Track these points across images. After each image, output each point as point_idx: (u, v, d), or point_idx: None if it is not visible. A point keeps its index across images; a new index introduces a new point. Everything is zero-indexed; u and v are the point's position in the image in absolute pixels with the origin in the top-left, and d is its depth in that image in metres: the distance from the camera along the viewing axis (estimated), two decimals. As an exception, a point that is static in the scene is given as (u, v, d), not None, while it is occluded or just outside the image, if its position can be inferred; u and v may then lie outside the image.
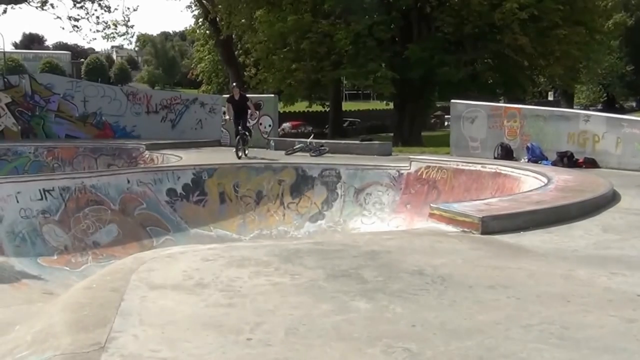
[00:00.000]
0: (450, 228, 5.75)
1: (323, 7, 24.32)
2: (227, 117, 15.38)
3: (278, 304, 3.37)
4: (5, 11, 26.22)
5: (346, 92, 59.81)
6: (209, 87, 43.67)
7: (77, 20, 27.55)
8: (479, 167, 11.26)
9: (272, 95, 20.48)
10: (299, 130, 35.34)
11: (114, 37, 29.33)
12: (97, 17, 27.74)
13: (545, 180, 8.58)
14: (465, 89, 23.66)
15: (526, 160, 12.87)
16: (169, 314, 3.18)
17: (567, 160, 12.12)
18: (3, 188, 9.72)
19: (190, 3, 35.70)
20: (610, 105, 52.82)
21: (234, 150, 14.28)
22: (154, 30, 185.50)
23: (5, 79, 20.08)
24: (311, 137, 17.59)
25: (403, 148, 19.25)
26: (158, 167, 13.98)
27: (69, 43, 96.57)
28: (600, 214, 6.61)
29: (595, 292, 3.76)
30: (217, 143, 18.70)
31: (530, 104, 24.16)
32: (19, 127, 19.34)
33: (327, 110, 38.96)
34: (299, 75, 24.67)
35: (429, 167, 12.06)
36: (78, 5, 27.17)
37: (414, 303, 3.45)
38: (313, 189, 12.66)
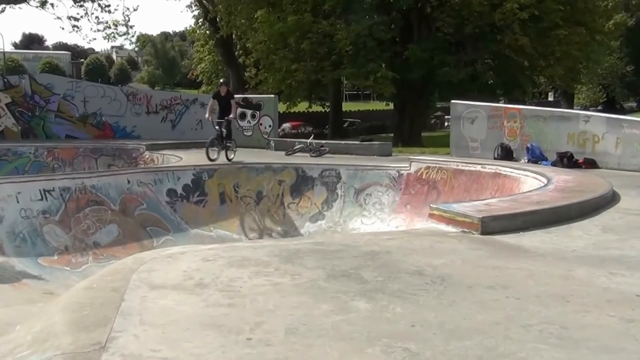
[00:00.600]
0: (450, 228, 5.75)
1: (323, 7, 24.34)
2: (207, 115, 13.81)
3: (278, 304, 3.38)
4: (3, 10, 26.24)
5: (346, 92, 59.84)
6: (209, 87, 43.61)
7: (77, 20, 27.61)
8: (478, 168, 11.27)
9: (272, 95, 20.49)
10: (299, 131, 35.36)
11: (114, 37, 29.38)
12: (97, 17, 27.81)
13: (545, 181, 8.59)
14: (466, 89, 23.66)
15: (526, 160, 12.89)
16: (169, 314, 3.19)
17: (566, 160, 12.14)
18: (3, 188, 9.73)
19: (191, 3, 35.74)
20: (611, 106, 52.80)
21: (205, 151, 12.79)
22: (154, 31, 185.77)
23: (5, 79, 20.08)
24: (311, 137, 17.61)
25: (403, 148, 19.28)
26: (158, 167, 13.98)
27: (68, 43, 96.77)
28: (599, 215, 6.61)
29: (594, 292, 3.77)
30: (217, 143, 18.71)
31: (531, 105, 24.18)
32: (19, 128, 19.35)
33: (327, 110, 38.96)
34: (299, 75, 24.68)
35: (428, 167, 12.07)
36: (78, 4, 27.20)
37: (414, 303, 3.46)
38: (313, 189, 12.68)
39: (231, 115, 13.56)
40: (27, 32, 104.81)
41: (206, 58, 42.77)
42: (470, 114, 14.85)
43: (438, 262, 4.40)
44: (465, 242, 5.21)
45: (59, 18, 36.86)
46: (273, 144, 17.56)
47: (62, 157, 17.00)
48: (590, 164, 12.05)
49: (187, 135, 19.45)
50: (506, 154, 13.41)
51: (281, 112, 23.68)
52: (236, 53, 34.28)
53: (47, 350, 2.72)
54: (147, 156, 16.31)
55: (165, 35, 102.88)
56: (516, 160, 12.96)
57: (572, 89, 37.03)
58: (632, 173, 11.06)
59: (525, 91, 27.06)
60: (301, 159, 14.46)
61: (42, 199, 10.01)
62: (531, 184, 8.94)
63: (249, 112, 18.71)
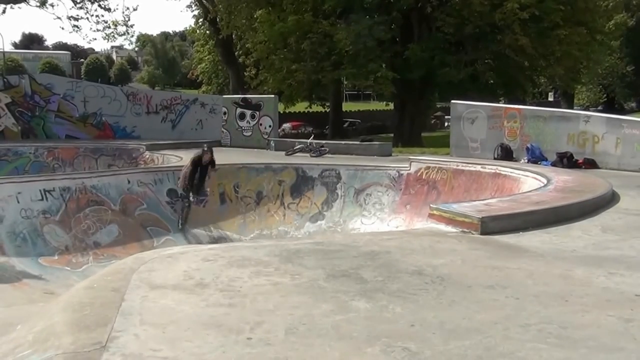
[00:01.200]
0: (449, 228, 5.76)
1: (323, 7, 24.33)
2: (179, 184, 11.69)
3: (278, 304, 3.38)
4: (4, 11, 26.26)
5: (346, 92, 59.83)
6: (209, 87, 43.71)
7: (76, 20, 27.61)
8: (478, 168, 11.29)
9: (272, 95, 20.51)
10: (299, 131, 35.37)
11: (114, 37, 29.37)
12: (97, 17, 27.81)
13: (545, 181, 8.60)
14: (466, 89, 23.66)
15: (526, 160, 12.89)
16: (169, 313, 3.19)
17: (566, 160, 12.15)
18: (4, 188, 9.75)
19: (191, 3, 35.71)
20: (610, 106, 52.79)
21: (177, 220, 11.59)
22: (154, 31, 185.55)
23: (5, 79, 20.11)
24: (311, 137, 17.62)
25: (403, 149, 19.27)
26: (158, 167, 14.00)
27: (68, 43, 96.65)
28: (599, 215, 6.62)
29: (593, 292, 3.78)
30: (218, 143, 18.72)
31: (531, 105, 24.17)
32: (19, 128, 19.37)
33: (328, 110, 38.96)
34: (299, 75, 24.68)
35: (428, 167, 12.09)
36: (78, 5, 27.22)
37: (413, 303, 3.47)
38: (313, 189, 12.69)
39: (207, 189, 11.94)
40: (26, 32, 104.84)
41: (206, 58, 42.78)
42: (470, 114, 14.86)
43: (438, 262, 4.41)
44: (464, 242, 5.22)
45: (58, 18, 36.85)
46: (273, 144, 17.57)
47: (62, 157, 17.03)
48: (590, 164, 12.06)
49: (187, 135, 19.47)
50: (506, 154, 13.42)
51: (280, 112, 23.69)
52: (236, 53, 34.27)
53: (48, 349, 2.73)
54: (147, 156, 16.33)
55: (165, 35, 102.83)
56: (516, 161, 12.97)
57: (572, 89, 37.02)
58: (632, 173, 11.07)
59: (526, 91, 27.06)
60: (301, 159, 14.47)
61: (42, 199, 10.03)
62: (531, 184, 8.95)
63: (248, 112, 18.72)
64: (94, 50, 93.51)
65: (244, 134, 18.65)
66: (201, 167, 11.75)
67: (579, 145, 12.60)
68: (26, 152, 17.08)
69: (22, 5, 26.77)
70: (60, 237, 9.86)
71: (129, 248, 9.96)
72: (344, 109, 43.15)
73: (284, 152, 16.05)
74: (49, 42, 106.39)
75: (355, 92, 65.93)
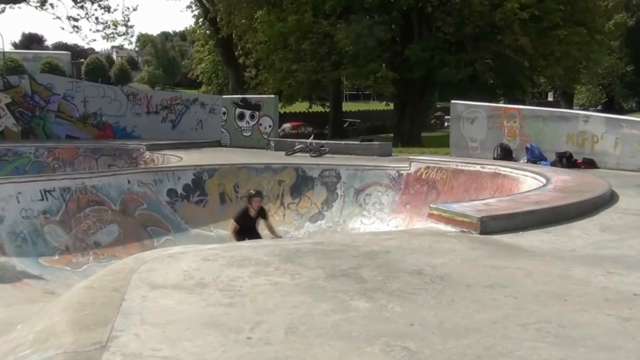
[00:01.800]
0: (449, 228, 5.77)
1: (324, 7, 24.33)
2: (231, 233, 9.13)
3: (278, 303, 3.39)
4: (3, 10, 26.27)
5: (346, 92, 59.86)
6: (209, 87, 43.74)
7: (76, 20, 27.63)
8: (478, 168, 11.30)
9: (273, 95, 20.54)
10: (299, 131, 35.37)
11: (114, 37, 29.40)
12: (97, 18, 27.81)
13: (544, 181, 8.61)
14: (466, 89, 23.69)
15: (525, 160, 12.91)
16: (169, 313, 3.20)
17: (566, 160, 12.16)
18: (4, 188, 9.76)
19: (191, 3, 35.72)
20: (609, 106, 52.80)
21: None
22: (154, 31, 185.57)
23: (5, 79, 20.12)
24: (311, 137, 17.63)
25: (403, 148, 19.30)
26: (158, 167, 14.01)
27: (68, 43, 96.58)
28: (598, 214, 6.63)
29: (592, 291, 3.79)
30: (217, 143, 18.77)
31: (530, 105, 24.19)
32: (19, 128, 19.39)
33: (328, 110, 38.99)
34: (300, 75, 24.69)
35: (428, 167, 12.10)
36: (78, 5, 27.22)
37: (413, 302, 3.48)
38: (313, 189, 12.70)
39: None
40: (26, 32, 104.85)
41: (206, 58, 42.82)
42: (470, 114, 14.87)
43: (437, 262, 4.42)
44: (464, 241, 5.23)
45: (58, 18, 36.83)
46: (273, 144, 17.59)
47: (62, 157, 17.05)
48: (589, 164, 12.07)
49: (187, 135, 19.49)
50: (505, 154, 13.44)
51: (280, 112, 23.71)
52: (236, 53, 34.28)
53: (48, 349, 2.73)
54: (147, 156, 16.34)
55: (165, 35, 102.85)
56: (515, 160, 12.98)
57: (572, 89, 37.07)
58: (631, 173, 11.08)
59: (525, 91, 27.07)
60: (301, 159, 14.48)
61: (42, 199, 10.04)
62: (530, 184, 8.96)
63: (247, 112, 18.74)
64: (94, 50, 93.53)
65: (244, 134, 18.66)
66: (249, 222, 9.05)
67: (578, 145, 12.62)
68: (26, 152, 17.10)
69: (22, 5, 26.79)
70: (60, 237, 9.87)
71: (129, 248, 9.96)
72: (343, 109, 43.17)
73: (283, 152, 16.06)
74: (49, 42, 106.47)
75: (355, 92, 65.98)
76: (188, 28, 49.84)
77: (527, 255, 4.74)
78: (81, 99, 19.85)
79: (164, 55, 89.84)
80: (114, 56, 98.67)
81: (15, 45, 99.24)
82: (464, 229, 5.64)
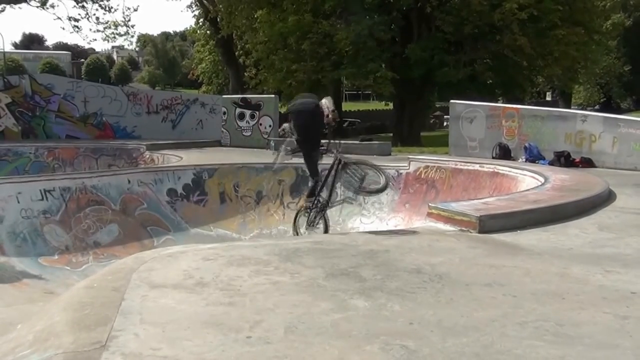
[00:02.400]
0: (448, 227, 5.78)
1: (324, 7, 24.34)
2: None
3: (277, 303, 3.40)
4: (3, 9, 26.23)
5: (346, 92, 59.85)
6: (210, 87, 43.74)
7: (77, 20, 27.59)
8: (477, 167, 11.30)
9: (273, 95, 20.55)
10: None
11: (114, 37, 29.35)
12: (97, 18, 27.79)
13: (542, 180, 8.62)
14: (465, 89, 23.71)
15: (524, 159, 12.93)
16: (169, 312, 3.21)
17: (564, 159, 12.19)
18: (4, 188, 9.76)
19: (191, 3, 35.63)
20: (607, 105, 52.82)
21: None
22: (155, 31, 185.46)
23: (5, 79, 20.10)
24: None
25: (402, 148, 19.31)
26: (158, 167, 14.02)
27: (69, 43, 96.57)
28: (596, 213, 6.65)
29: (590, 289, 3.80)
30: (218, 143, 18.77)
31: (529, 104, 24.22)
32: (20, 128, 19.38)
33: (327, 110, 38.93)
34: (299, 75, 24.70)
35: (427, 166, 12.10)
36: (79, 5, 27.19)
37: (412, 301, 3.49)
38: (313, 188, 12.68)
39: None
40: (27, 32, 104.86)
41: (206, 58, 42.81)
42: (469, 114, 14.89)
43: (436, 261, 4.43)
44: (463, 240, 5.25)
45: (59, 18, 36.64)
46: (273, 144, 17.58)
47: (62, 157, 17.04)
48: (587, 163, 12.10)
49: (187, 135, 19.50)
50: (504, 154, 13.46)
51: (280, 112, 23.69)
52: (236, 53, 34.27)
53: (48, 349, 2.74)
54: (147, 156, 16.34)
55: (165, 36, 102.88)
56: (514, 160, 13.01)
57: (570, 88, 37.09)
58: (628, 172, 11.11)
59: (525, 90, 27.11)
60: (301, 158, 14.45)
61: (42, 199, 10.04)
62: (529, 183, 8.97)
63: (247, 112, 18.75)
64: (94, 50, 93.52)
65: (244, 133, 18.67)
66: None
67: (576, 144, 12.64)
68: (26, 152, 17.09)
69: (23, 5, 26.75)
70: (60, 237, 9.87)
71: (129, 247, 9.96)
72: (343, 109, 43.16)
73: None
74: (49, 42, 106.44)
75: (355, 92, 66.01)
76: (188, 28, 49.91)
77: (525, 254, 4.76)
78: (81, 99, 19.84)
79: (164, 55, 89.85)
80: (115, 56, 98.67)
81: (15, 45, 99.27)
82: (463, 228, 5.65)
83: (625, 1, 43.98)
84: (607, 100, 56.16)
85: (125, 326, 2.96)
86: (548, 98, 59.33)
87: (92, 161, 16.88)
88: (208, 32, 37.11)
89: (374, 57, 24.14)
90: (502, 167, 10.82)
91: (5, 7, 26.14)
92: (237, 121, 18.80)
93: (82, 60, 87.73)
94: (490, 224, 5.62)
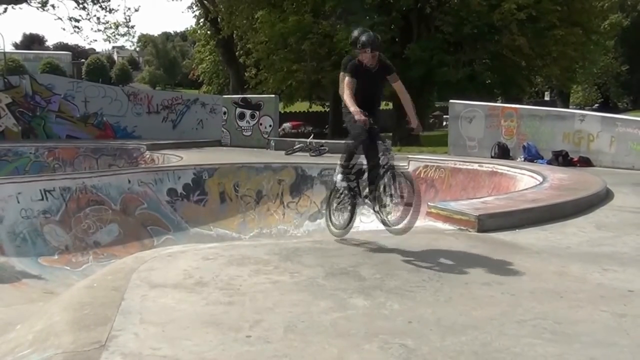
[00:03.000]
0: (447, 226, 5.81)
1: (324, 8, 24.35)
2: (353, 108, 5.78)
3: (277, 302, 3.42)
4: (5, 10, 26.20)
5: (346, 92, 59.68)
6: (210, 87, 43.68)
7: (77, 21, 27.56)
8: (476, 166, 11.32)
9: (273, 95, 20.54)
10: (299, 131, 35.34)
11: (115, 38, 29.32)
12: (98, 19, 27.77)
13: (541, 179, 8.64)
14: (464, 89, 23.66)
15: (522, 159, 12.95)
16: (169, 312, 3.23)
17: (562, 159, 12.20)
18: (4, 188, 9.77)
19: (192, 4, 35.59)
20: (605, 105, 52.79)
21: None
22: (155, 31, 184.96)
23: (6, 80, 20.11)
24: (311, 137, 17.64)
25: (402, 147, 19.30)
26: (159, 167, 14.02)
27: (69, 43, 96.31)
28: (593, 212, 6.67)
29: (587, 288, 3.82)
30: (218, 143, 18.78)
31: (527, 104, 24.23)
32: (20, 128, 19.38)
33: (327, 110, 38.95)
34: (300, 75, 24.70)
35: (427, 166, 12.12)
36: (80, 6, 27.17)
37: (411, 300, 3.51)
38: (312, 188, 12.70)
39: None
40: (27, 32, 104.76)
41: (207, 58, 42.76)
42: (468, 114, 14.90)
43: (435, 260, 4.45)
44: (462, 239, 5.26)
45: (59, 19, 36.51)
46: (273, 144, 17.60)
47: (62, 157, 17.04)
48: (585, 162, 12.11)
49: (187, 135, 19.49)
50: (503, 153, 13.47)
51: (280, 112, 23.72)
52: (237, 53, 34.25)
53: (47, 349, 2.75)
54: (147, 156, 16.35)
55: (166, 36, 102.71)
56: (513, 159, 13.02)
57: (568, 88, 37.04)
58: (626, 171, 11.13)
59: (523, 90, 27.10)
60: (301, 158, 14.50)
61: (42, 199, 10.05)
62: (527, 182, 8.98)
63: (248, 112, 18.76)
64: (95, 50, 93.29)
65: (244, 133, 18.68)
66: (368, 76, 5.73)
67: (574, 143, 12.66)
68: (26, 153, 17.09)
69: (24, 5, 26.73)
70: (60, 237, 9.88)
71: (129, 247, 9.97)
72: (343, 109, 43.09)
73: (283, 152, 16.08)
74: (49, 43, 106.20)
75: (355, 92, 65.81)
76: (189, 28, 49.69)
77: (523, 253, 4.77)
78: (82, 99, 19.84)
79: (164, 56, 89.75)
80: (115, 56, 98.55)
81: (16, 46, 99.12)
82: (462, 227, 5.67)
83: (622, 1, 43.96)
84: (605, 100, 56.12)
85: (125, 326, 2.97)
86: (546, 98, 59.24)
87: (93, 161, 16.88)
88: (208, 32, 37.07)
89: (374, 57, 24.09)
90: (501, 167, 10.83)
91: (6, 8, 26.13)
92: (238, 121, 18.81)
93: (83, 60, 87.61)
94: (489, 223, 5.64)
